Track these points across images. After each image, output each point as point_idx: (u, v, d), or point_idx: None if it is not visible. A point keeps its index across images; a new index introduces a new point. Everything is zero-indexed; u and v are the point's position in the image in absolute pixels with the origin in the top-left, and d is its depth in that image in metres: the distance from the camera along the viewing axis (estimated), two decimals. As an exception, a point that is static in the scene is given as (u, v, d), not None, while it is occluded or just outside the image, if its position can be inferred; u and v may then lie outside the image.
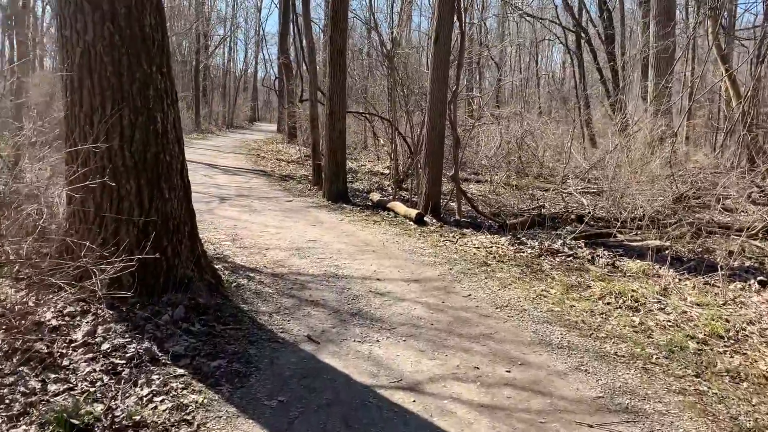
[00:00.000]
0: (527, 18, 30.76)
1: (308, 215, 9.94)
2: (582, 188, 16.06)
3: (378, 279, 6.16)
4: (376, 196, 11.77)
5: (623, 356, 4.50)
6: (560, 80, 39.02)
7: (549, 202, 14.35)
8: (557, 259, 7.82)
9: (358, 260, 6.95)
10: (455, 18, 10.79)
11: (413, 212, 9.86)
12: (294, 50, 30.82)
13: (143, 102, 4.59)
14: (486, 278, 6.47)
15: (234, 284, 5.54)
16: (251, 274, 5.96)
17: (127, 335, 4.01)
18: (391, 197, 12.85)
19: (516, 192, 15.77)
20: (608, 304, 5.93)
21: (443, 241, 8.43)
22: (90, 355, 3.72)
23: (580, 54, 26.15)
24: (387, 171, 17.64)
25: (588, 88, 26.10)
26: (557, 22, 25.81)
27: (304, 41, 18.40)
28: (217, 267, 6.01)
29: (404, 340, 4.50)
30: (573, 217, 11.22)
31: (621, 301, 6.00)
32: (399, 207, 10.53)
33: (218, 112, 42.95)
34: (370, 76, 27.27)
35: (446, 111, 10.58)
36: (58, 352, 3.72)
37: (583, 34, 25.63)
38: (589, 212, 11.52)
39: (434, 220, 10.00)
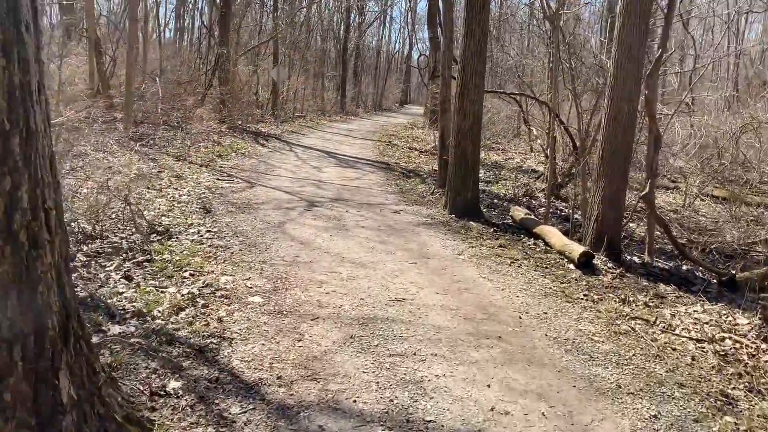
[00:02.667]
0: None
1: (412, 241, 6.79)
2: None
3: (494, 446, 2.87)
4: (519, 213, 8.22)
5: None
6: (757, 62, 31.53)
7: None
8: None
9: (466, 366, 3.68)
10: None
11: (577, 250, 6.26)
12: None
13: None
14: (745, 466, 2.88)
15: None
16: (235, 410, 2.98)
17: None
18: (542, 210, 9.28)
19: (721, 206, 11.28)
20: None
21: (629, 316, 4.83)
22: None
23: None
24: (541, 168, 13.88)
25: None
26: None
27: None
28: (176, 382, 3.12)
29: None
30: None
31: None
32: (554, 236, 6.97)
33: (367, 93, 41.12)
34: (530, 54, 23.23)
35: (639, 92, 6.78)
36: None
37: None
38: None
39: (609, 264, 6.34)
